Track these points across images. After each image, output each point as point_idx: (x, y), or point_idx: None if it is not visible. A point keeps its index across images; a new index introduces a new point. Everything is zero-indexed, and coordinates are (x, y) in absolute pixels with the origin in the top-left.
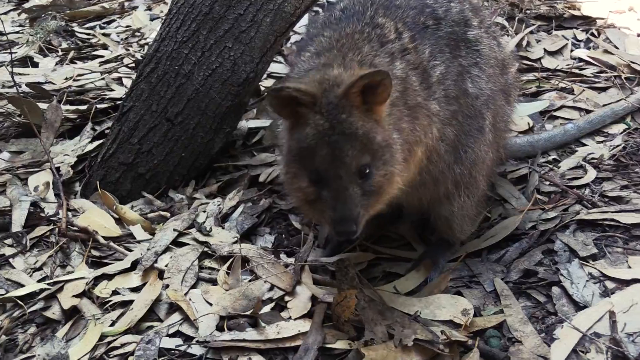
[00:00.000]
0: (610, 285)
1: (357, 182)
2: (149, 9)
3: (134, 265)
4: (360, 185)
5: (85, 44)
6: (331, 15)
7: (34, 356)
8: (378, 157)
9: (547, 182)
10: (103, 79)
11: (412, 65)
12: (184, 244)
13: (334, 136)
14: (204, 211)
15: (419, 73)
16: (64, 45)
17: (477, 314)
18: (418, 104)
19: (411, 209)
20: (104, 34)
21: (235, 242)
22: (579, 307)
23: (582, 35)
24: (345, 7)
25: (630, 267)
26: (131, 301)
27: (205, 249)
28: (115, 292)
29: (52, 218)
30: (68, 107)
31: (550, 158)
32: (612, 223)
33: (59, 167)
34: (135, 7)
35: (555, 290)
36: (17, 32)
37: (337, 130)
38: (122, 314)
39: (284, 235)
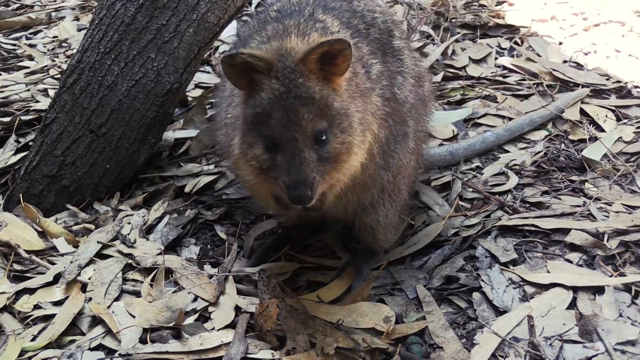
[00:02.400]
0: (529, 290)
1: (313, 146)
2: (77, 19)
3: (57, 278)
4: (316, 150)
5: (11, 54)
6: (267, 16)
7: None
8: (336, 125)
9: (470, 189)
10: (28, 90)
11: (356, 58)
12: (107, 256)
13: (289, 99)
14: (129, 223)
15: (363, 66)
16: None
17: (399, 321)
18: (367, 90)
19: (336, 218)
20: (30, 45)
21: (159, 254)
22: (499, 312)
23: (506, 44)
24: (281, 8)
25: (549, 272)
26: (53, 315)
27: (130, 261)
28: (37, 307)
29: None
30: None
31: (473, 165)
32: (532, 228)
33: None
34: (63, 18)
35: (476, 295)
36: None
37: (292, 94)
38: (43, 329)
39: (209, 246)
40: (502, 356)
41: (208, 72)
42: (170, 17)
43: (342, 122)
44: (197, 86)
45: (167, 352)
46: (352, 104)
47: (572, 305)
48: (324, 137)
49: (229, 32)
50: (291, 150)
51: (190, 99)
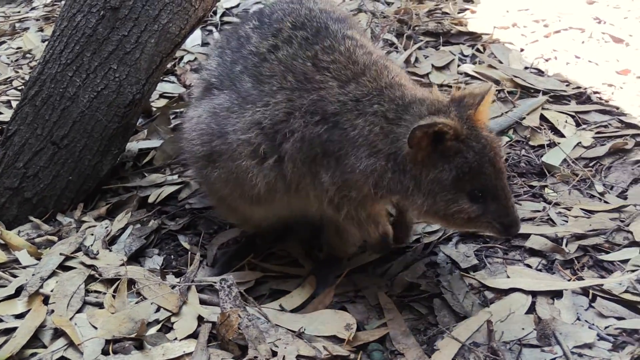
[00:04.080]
0: (489, 295)
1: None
2: (41, 30)
3: (19, 291)
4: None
5: None
6: (291, 36)
7: None
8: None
9: None
10: None
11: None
12: (70, 268)
13: (490, 152)
14: (92, 234)
15: None
16: None
17: (360, 328)
18: None
19: (306, 223)
20: None
21: (122, 265)
22: (459, 317)
23: (468, 51)
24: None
25: (508, 277)
26: (14, 328)
27: (92, 273)
28: None
29: None
30: None
31: None
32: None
33: None
34: (27, 29)
35: (437, 301)
36: None
37: (489, 147)
38: (5, 342)
39: (172, 256)
40: None
41: (172, 82)
42: (131, 28)
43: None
44: (161, 96)
45: None
46: None
47: (531, 309)
48: None
49: (194, 41)
50: (504, 195)
51: (154, 109)
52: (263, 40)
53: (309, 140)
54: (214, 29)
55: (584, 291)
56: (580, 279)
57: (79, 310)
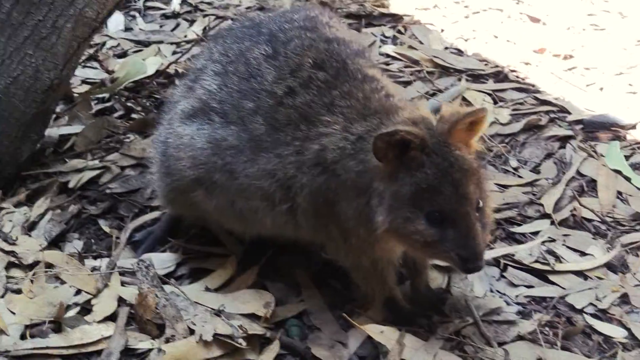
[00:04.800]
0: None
1: (477, 217)
2: None
3: None
4: (479, 219)
5: None
6: (311, 78)
7: None
8: (482, 189)
9: None
10: None
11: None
12: None
13: (455, 173)
14: (10, 220)
15: None
16: None
17: (280, 306)
18: None
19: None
20: None
21: (42, 250)
22: None
23: (390, 32)
24: (321, 64)
25: None
26: None
27: (12, 259)
28: None
29: None
30: None
31: None
32: None
33: None
34: None
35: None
36: None
37: (456, 167)
38: None
39: (93, 240)
40: None
41: (95, 68)
42: (47, 13)
43: (483, 183)
44: (84, 82)
45: (47, 347)
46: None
47: (448, 285)
48: (480, 205)
49: (117, 27)
50: (464, 224)
51: (75, 95)
52: (280, 80)
53: (315, 193)
54: (137, 14)
55: (496, 262)
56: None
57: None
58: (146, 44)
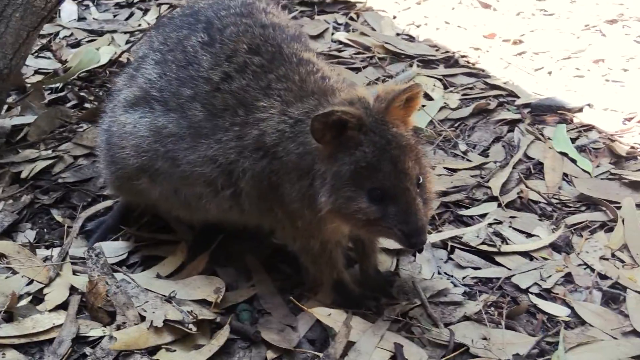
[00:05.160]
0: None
1: (418, 192)
2: None
3: None
4: (420, 195)
5: None
6: (247, 63)
7: None
8: (422, 165)
9: None
10: None
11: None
12: None
13: (394, 150)
14: None
15: None
16: None
17: (230, 291)
18: None
19: None
20: None
21: None
22: None
23: (342, 19)
24: (256, 49)
25: None
26: None
27: None
28: None
29: None
30: None
31: None
32: None
33: None
34: None
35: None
36: None
37: (394, 144)
38: None
39: (45, 230)
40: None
41: (48, 58)
42: None
43: (422, 159)
44: (36, 72)
45: None
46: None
47: (396, 268)
48: (420, 181)
49: (70, 17)
50: (405, 200)
51: (28, 85)
52: (216, 66)
53: (258, 177)
54: (90, 4)
55: (444, 244)
56: (440, 232)
57: None
58: (100, 33)
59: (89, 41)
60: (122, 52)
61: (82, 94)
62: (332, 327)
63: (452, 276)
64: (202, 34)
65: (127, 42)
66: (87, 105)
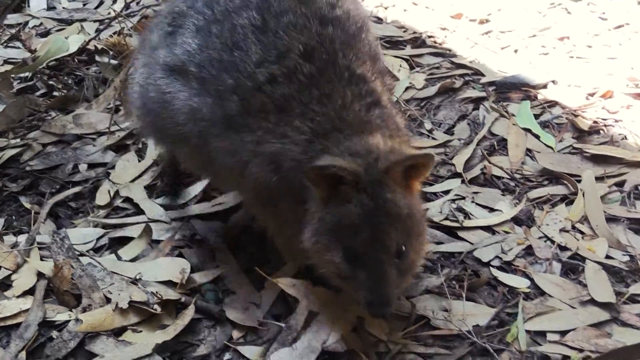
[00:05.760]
0: None
1: (394, 263)
2: None
3: None
4: (396, 265)
5: None
6: (296, 69)
7: None
8: (413, 234)
9: None
10: None
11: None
12: None
13: (378, 217)
14: None
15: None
16: None
17: (196, 272)
18: None
19: None
20: None
21: None
22: None
23: None
24: (310, 53)
25: None
26: None
27: None
28: None
29: None
30: None
31: None
32: None
33: None
34: None
35: (269, 244)
36: None
37: (381, 211)
38: None
39: (14, 217)
40: (289, 297)
41: (18, 48)
42: None
43: (419, 229)
44: (5, 62)
45: None
46: (420, 200)
47: None
48: (403, 250)
49: (39, 6)
50: (374, 269)
51: None
52: (265, 63)
53: (261, 184)
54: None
55: None
56: None
57: None
58: (69, 22)
59: (58, 30)
60: (89, 40)
61: (50, 82)
62: (297, 299)
63: None
64: (256, 14)
65: (97, 30)
66: (55, 93)
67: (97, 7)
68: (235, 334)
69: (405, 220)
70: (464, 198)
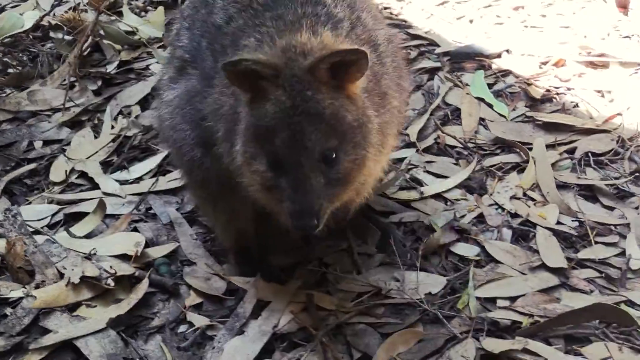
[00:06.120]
0: None
1: (321, 169)
2: None
3: None
4: (324, 173)
5: None
6: (252, 1)
7: None
8: (348, 140)
9: None
10: None
11: (364, 42)
12: None
13: (296, 116)
14: None
15: (372, 48)
16: None
17: (150, 246)
18: (385, 92)
19: None
20: None
21: None
22: None
23: None
24: None
25: None
26: None
27: None
28: None
29: None
30: None
31: None
32: None
33: None
34: None
35: None
36: None
37: (300, 110)
38: None
39: None
40: None
41: None
42: None
43: (356, 136)
44: None
45: None
46: (370, 109)
47: None
48: (333, 157)
49: None
50: (296, 175)
51: None
52: (224, 9)
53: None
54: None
55: None
56: None
57: None
58: None
59: (13, 7)
60: (43, 16)
61: (5, 59)
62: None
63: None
64: None
65: (52, 6)
66: (10, 70)
67: None
68: (189, 302)
69: (331, 122)
70: (417, 167)
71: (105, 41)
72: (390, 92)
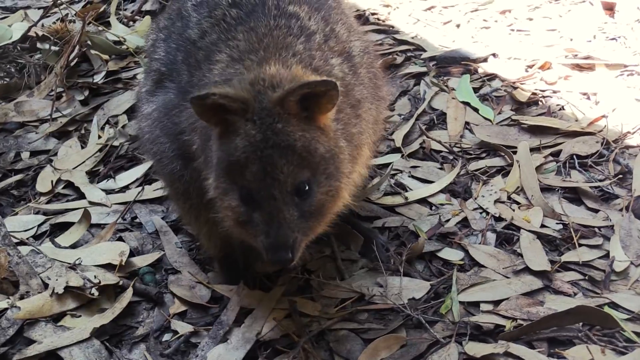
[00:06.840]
0: None
1: (294, 202)
2: None
3: None
4: (297, 205)
5: None
6: (225, 15)
7: None
8: (320, 172)
9: None
10: None
11: (338, 53)
12: None
13: (266, 150)
14: None
15: (346, 59)
16: None
17: (135, 255)
18: (359, 100)
19: None
20: None
21: None
22: None
23: None
24: (238, 1)
25: None
26: None
27: None
28: None
29: None
30: None
31: None
32: None
33: None
34: None
35: None
36: None
37: (270, 143)
38: None
39: None
40: None
41: None
42: None
43: (328, 167)
44: None
45: None
46: (341, 139)
47: None
48: (306, 189)
49: None
50: (269, 209)
51: None
52: (198, 24)
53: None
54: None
55: None
56: None
57: None
58: (13, 10)
59: (2, 18)
60: (30, 27)
61: None
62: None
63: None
64: None
65: (41, 17)
66: None
67: None
68: (173, 310)
69: (303, 154)
70: (402, 172)
71: (92, 51)
72: (364, 102)
